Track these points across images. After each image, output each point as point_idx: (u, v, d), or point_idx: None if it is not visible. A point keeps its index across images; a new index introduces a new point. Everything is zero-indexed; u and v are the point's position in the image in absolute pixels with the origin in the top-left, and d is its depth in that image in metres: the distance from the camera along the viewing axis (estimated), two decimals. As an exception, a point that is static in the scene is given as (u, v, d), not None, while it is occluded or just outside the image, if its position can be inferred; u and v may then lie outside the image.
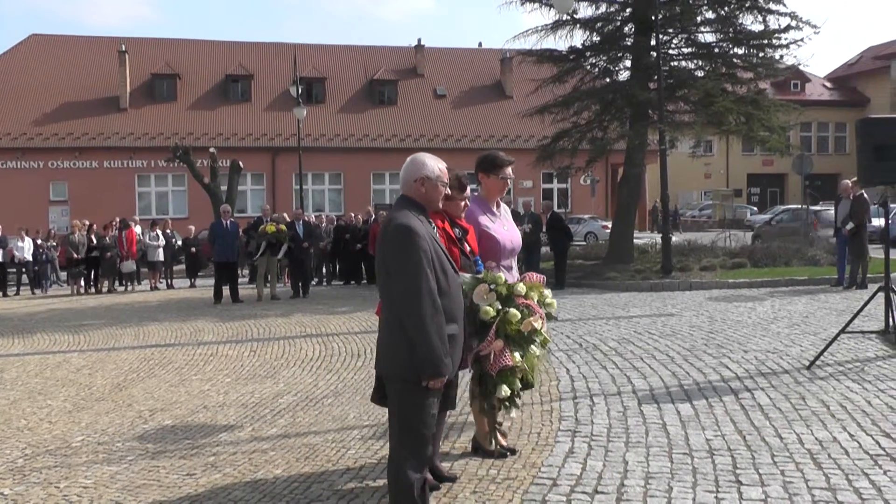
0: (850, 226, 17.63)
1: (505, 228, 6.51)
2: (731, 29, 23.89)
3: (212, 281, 20.91)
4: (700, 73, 24.23)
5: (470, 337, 5.44)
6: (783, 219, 35.80)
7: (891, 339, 10.59)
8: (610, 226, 28.51)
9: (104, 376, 10.63)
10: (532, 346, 5.84)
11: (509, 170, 6.53)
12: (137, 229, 26.60)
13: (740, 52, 24.15)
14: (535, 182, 46.05)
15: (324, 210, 42.48)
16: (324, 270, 25.51)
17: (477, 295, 5.58)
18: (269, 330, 14.58)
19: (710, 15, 23.91)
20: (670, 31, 23.68)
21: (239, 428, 7.68)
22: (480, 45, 57.96)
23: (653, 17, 21.52)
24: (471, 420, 7.03)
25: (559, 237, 20.67)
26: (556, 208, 22.50)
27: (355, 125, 48.26)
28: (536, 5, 24.00)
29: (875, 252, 18.60)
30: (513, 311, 5.64)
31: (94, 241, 24.68)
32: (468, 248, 5.85)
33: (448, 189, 4.98)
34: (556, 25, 23.92)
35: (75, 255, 24.37)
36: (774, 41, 23.42)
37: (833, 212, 20.80)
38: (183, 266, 27.38)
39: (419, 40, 53.77)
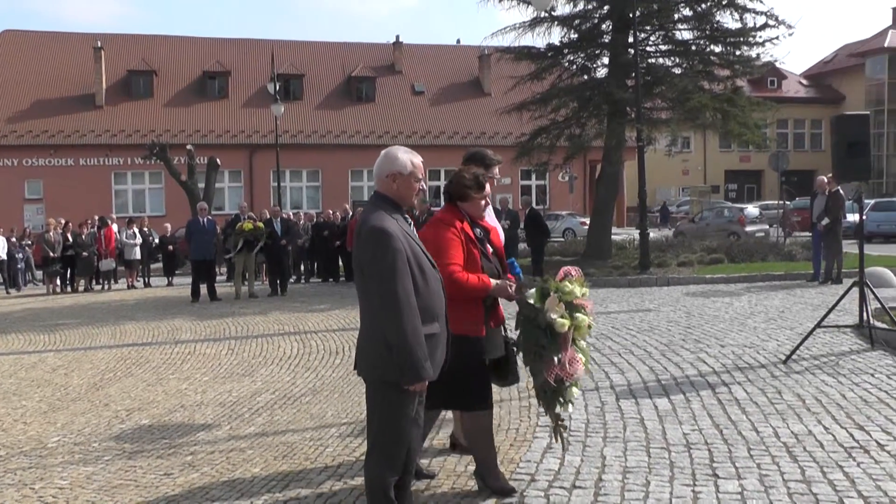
0: (825, 221, 17.76)
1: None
2: (708, 26, 24.05)
3: (189, 279, 20.81)
4: (677, 71, 24.34)
5: (545, 350, 5.29)
6: (707, 216, 36.28)
7: (865, 333, 10.67)
8: (588, 222, 28.59)
9: (80, 376, 10.58)
10: (581, 342, 5.63)
11: (496, 169, 6.54)
12: (114, 227, 26.42)
13: (717, 49, 24.31)
14: (514, 179, 46.13)
15: (301, 207, 42.35)
16: (302, 268, 25.43)
17: (550, 308, 5.29)
18: (246, 328, 14.54)
19: (687, 12, 24.07)
20: (648, 28, 23.81)
21: (216, 427, 7.67)
22: (459, 42, 57.98)
23: (630, 15, 21.56)
24: (449, 417, 7.03)
25: (536, 233, 20.74)
26: (534, 205, 22.54)
27: (333, 122, 48.16)
28: (514, 3, 24.07)
29: (850, 247, 18.76)
30: (581, 317, 5.39)
31: (70, 240, 24.50)
32: (490, 250, 5.70)
33: (421, 183, 4.83)
34: (534, 23, 24.01)
35: (51, 254, 24.18)
36: (751, 39, 23.56)
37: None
38: (160, 264, 27.19)
39: (397, 37, 53.67)
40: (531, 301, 5.40)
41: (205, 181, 29.16)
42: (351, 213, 24.06)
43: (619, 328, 12.75)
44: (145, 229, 26.73)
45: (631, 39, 22.05)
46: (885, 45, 62.94)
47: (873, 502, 5.29)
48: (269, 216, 21.89)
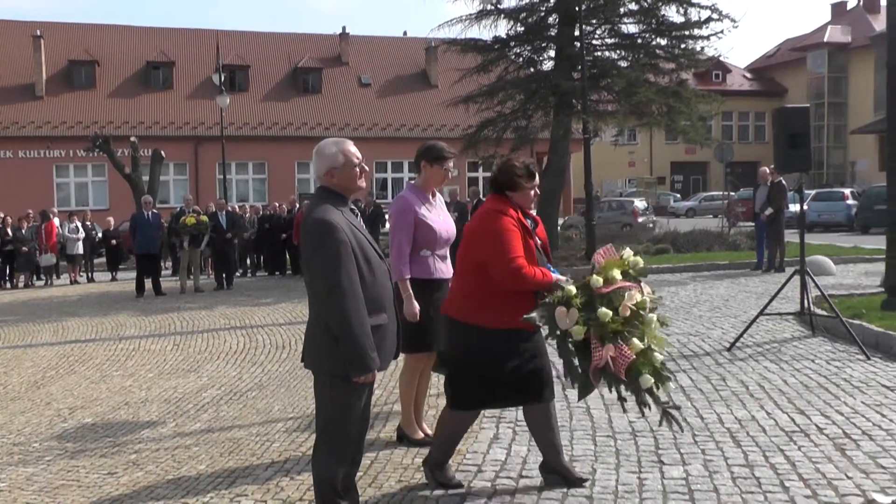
0: (768, 211, 18.03)
1: (441, 218, 6.55)
2: (653, 20, 24.18)
3: (133, 274, 20.49)
4: (623, 64, 24.52)
5: (579, 361, 5.08)
6: (604, 208, 36.86)
7: (806, 320, 10.88)
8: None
9: (20, 374, 10.40)
10: (647, 320, 5.06)
11: (451, 163, 6.56)
12: (56, 221, 26.00)
13: (662, 43, 24.47)
14: (461, 171, 46.10)
15: (248, 200, 41.92)
16: (248, 261, 25.29)
17: (560, 321, 5.00)
18: (192, 323, 14.41)
19: (632, 6, 24.23)
20: (594, 21, 23.92)
21: (161, 424, 7.59)
22: (405, 33, 57.80)
23: (577, 8, 21.74)
24: (396, 409, 7.06)
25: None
26: (482, 196, 22.56)
27: (279, 113, 47.78)
28: (461, -6, 24.07)
29: (792, 237, 19.07)
30: (601, 311, 4.94)
31: (10, 234, 24.05)
32: (539, 242, 5.53)
33: (364, 167, 4.71)
34: (480, 15, 23.99)
35: (-10, 249, 23.73)
36: (695, 33, 23.83)
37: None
38: (104, 259, 26.77)
39: (344, 28, 53.57)
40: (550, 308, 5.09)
41: (149, 174, 28.78)
42: (297, 206, 23.93)
43: (566, 319, 12.83)
44: (88, 223, 26.35)
45: (577, 33, 22.17)
46: (825, 39, 63.97)
47: (813, 484, 5.40)
48: (214, 209, 21.70)
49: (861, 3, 67.11)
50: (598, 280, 5.05)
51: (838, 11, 69.91)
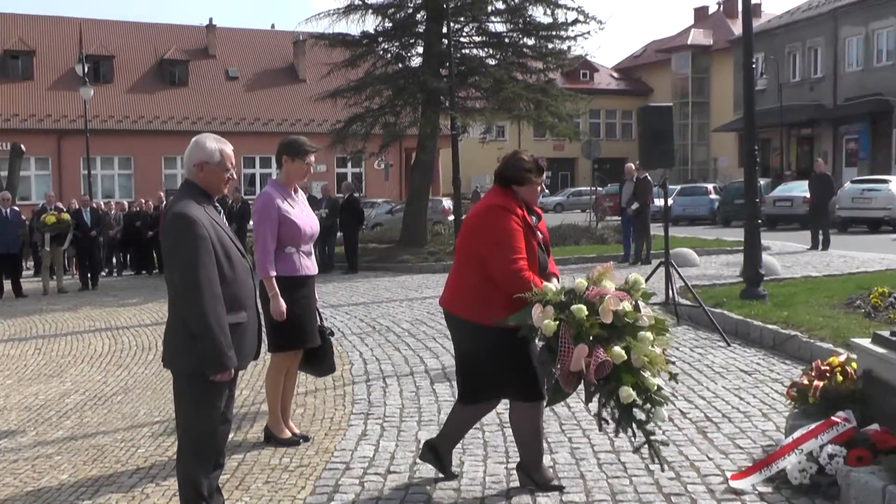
0: (634, 206, 18.56)
1: (304, 214, 6.54)
2: (520, 20, 24.60)
3: (-9, 274, 19.80)
4: (491, 62, 24.82)
5: (551, 361, 4.84)
6: (393, 208, 37.67)
7: (671, 309, 11.26)
8: (403, 209, 28.81)
9: None
10: (639, 334, 4.78)
11: (312, 157, 6.56)
12: None
13: (530, 42, 24.89)
14: (329, 166, 45.89)
15: (114, 196, 40.84)
16: (114, 260, 24.68)
17: (536, 319, 4.78)
18: (55, 325, 13.94)
19: (500, 6, 24.59)
20: (462, 19, 24.12)
21: (21, 433, 7.33)
22: (273, 26, 57.21)
23: (444, 6, 21.93)
24: (263, 409, 7.04)
25: (351, 221, 20.78)
26: (354, 192, 22.57)
27: (145, 106, 46.65)
28: (328, -11, 24.01)
29: (657, 230, 19.65)
30: (575, 307, 4.72)
31: None
32: (541, 238, 5.36)
33: (231, 173, 4.71)
34: (348, 10, 23.95)
35: None
36: (563, 33, 24.36)
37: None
38: (-41, 259, 25.77)
39: (211, 20, 52.60)
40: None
41: (8, 169, 27.80)
42: (164, 202, 23.46)
43: (434, 313, 12.88)
44: (-58, 222, 25.24)
45: (445, 30, 22.33)
46: (689, 42, 65.88)
47: (676, 466, 5.64)
48: (78, 206, 21.08)
49: (721, 8, 69.48)
50: (582, 284, 4.91)
51: (700, 15, 72.50)
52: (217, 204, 4.69)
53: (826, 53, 46.60)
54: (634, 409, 4.72)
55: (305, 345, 6.55)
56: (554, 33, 24.42)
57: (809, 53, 47.90)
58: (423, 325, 11.82)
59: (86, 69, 36.68)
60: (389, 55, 25.38)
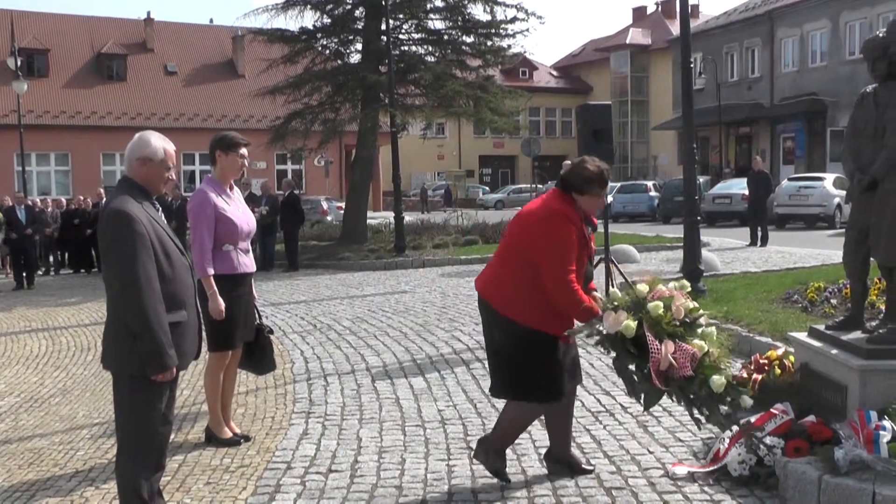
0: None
1: (240, 211, 6.52)
2: (459, 17, 24.76)
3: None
4: (430, 59, 24.88)
5: (639, 364, 4.83)
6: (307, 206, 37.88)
7: (609, 304, 11.36)
8: (343, 206, 28.76)
9: None
10: (704, 328, 4.88)
11: (245, 150, 6.53)
12: None
13: (469, 39, 25.04)
14: (270, 163, 45.54)
15: (50, 193, 40.14)
16: (51, 259, 24.24)
17: (610, 326, 4.79)
18: (-12, 326, 13.69)
19: (439, 3, 24.78)
20: (401, 16, 24.22)
21: (-48, 437, 7.16)
22: (212, 21, 56.72)
23: (383, 2, 21.91)
24: (204, 409, 6.99)
25: (292, 218, 20.70)
26: (294, 189, 22.46)
27: (82, 101, 45.79)
28: (266, -17, 23.85)
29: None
30: (652, 304, 4.77)
31: None
32: (592, 251, 5.35)
33: (171, 173, 4.68)
34: (286, 5, 23.90)
35: None
36: (501, 31, 24.50)
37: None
38: None
39: (148, 13, 51.77)
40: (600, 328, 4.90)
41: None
42: (104, 199, 23.15)
43: (376, 311, 12.95)
44: None
45: (384, 27, 22.34)
46: (627, 41, 66.55)
47: (617, 460, 5.73)
48: (11, 203, 20.71)
49: (659, 8, 70.33)
50: (644, 287, 4.93)
51: (639, 15, 73.13)
52: (155, 202, 4.65)
53: (763, 54, 47.33)
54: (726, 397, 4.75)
55: (243, 343, 6.54)
56: (493, 31, 24.61)
57: (747, 54, 48.60)
58: (364, 323, 11.81)
59: (19, 63, 35.92)
60: (328, 51, 25.37)
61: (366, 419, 6.97)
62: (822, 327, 5.89)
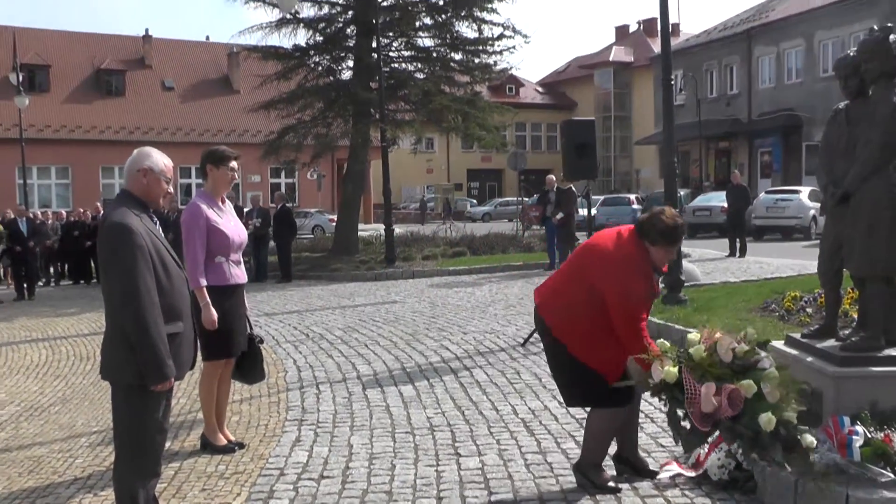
0: (559, 215, 18.72)
1: (232, 224, 6.52)
2: (448, 35, 24.82)
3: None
4: (420, 75, 24.93)
5: (681, 405, 4.80)
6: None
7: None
8: (335, 219, 28.78)
9: None
10: (765, 372, 4.73)
11: (234, 163, 6.52)
12: None
13: (457, 56, 25.07)
14: (264, 177, 45.53)
15: (51, 206, 39.98)
16: (51, 270, 24.15)
17: (656, 374, 4.79)
18: (-11, 336, 13.59)
19: (428, 21, 24.77)
20: (391, 34, 24.23)
21: (-47, 445, 7.11)
22: (208, 38, 56.54)
23: (374, 21, 21.95)
24: (199, 417, 6.96)
25: (284, 231, 20.69)
26: (286, 202, 22.49)
27: (82, 116, 45.71)
28: (261, 3, 23.85)
29: (582, 238, 19.84)
30: (694, 349, 4.75)
31: None
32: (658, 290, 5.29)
33: (170, 190, 4.72)
34: (280, 23, 23.91)
35: None
36: (489, 48, 24.58)
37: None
38: None
39: (146, 30, 51.79)
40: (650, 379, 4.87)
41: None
42: (102, 212, 23.06)
43: (366, 320, 12.93)
44: None
45: (374, 44, 22.39)
46: (611, 59, 66.59)
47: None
48: (13, 216, 20.64)
49: (641, 27, 70.44)
50: (695, 336, 4.91)
51: (622, 34, 73.44)
52: (153, 214, 4.64)
53: (741, 71, 47.50)
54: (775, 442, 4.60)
55: (236, 352, 6.53)
56: (480, 48, 24.72)
57: (725, 71, 48.77)
58: (355, 333, 11.80)
59: (20, 78, 35.85)
60: (321, 68, 25.37)
61: (357, 426, 6.96)
62: (798, 335, 5.92)
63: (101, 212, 22.64)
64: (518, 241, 24.88)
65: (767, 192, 31.12)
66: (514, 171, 31.78)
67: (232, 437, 6.62)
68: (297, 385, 8.63)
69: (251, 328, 6.81)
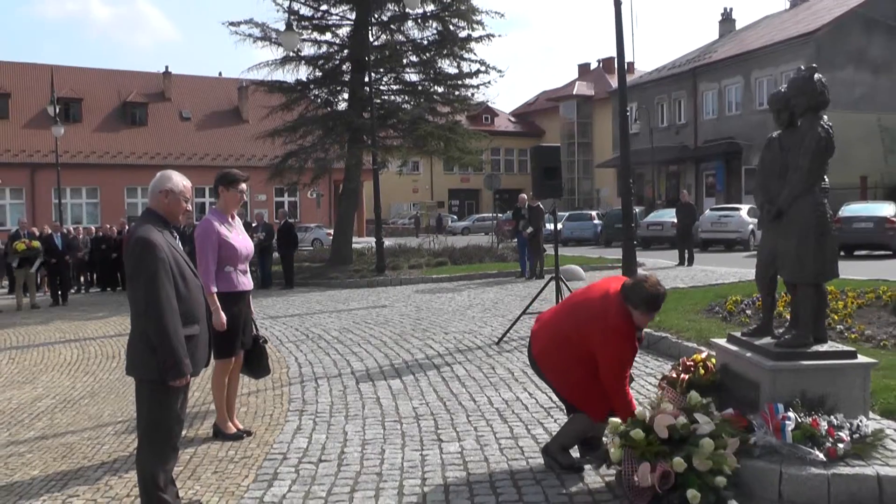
0: (529, 230, 18.76)
1: (240, 237, 6.50)
2: (431, 71, 24.87)
3: (-30, 292, 19.07)
4: (407, 106, 24.94)
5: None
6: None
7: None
8: (332, 233, 28.73)
9: None
10: (700, 441, 4.63)
11: (244, 185, 6.51)
12: None
13: (440, 90, 25.09)
14: (269, 196, 45.42)
15: (82, 222, 39.70)
16: (82, 279, 23.97)
17: (612, 455, 4.82)
18: (28, 337, 13.45)
19: (414, 59, 24.82)
20: (381, 70, 24.21)
21: (-5, 434, 7.05)
22: (220, 74, 56.55)
23: (366, 58, 21.99)
24: (212, 409, 6.91)
25: (287, 244, 20.66)
26: (288, 218, 22.45)
27: (110, 143, 45.50)
28: (267, 43, 23.80)
29: (551, 249, 19.87)
30: (633, 431, 4.72)
31: None
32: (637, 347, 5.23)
33: (189, 209, 4.78)
34: (284, 61, 23.81)
35: None
36: (467, 82, 24.65)
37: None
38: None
39: (167, 67, 51.62)
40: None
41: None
42: (126, 227, 22.95)
43: (360, 322, 12.90)
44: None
45: (367, 79, 22.38)
46: (574, 93, 66.78)
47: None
48: (49, 231, 20.51)
49: (601, 65, 71.09)
50: (644, 412, 4.91)
51: (584, 70, 73.96)
52: (173, 230, 4.64)
53: (688, 104, 47.74)
54: None
55: (242, 350, 6.51)
56: (460, 82, 24.77)
57: (674, 104, 49.01)
58: (349, 333, 11.75)
59: (57, 110, 35.64)
60: (320, 100, 25.32)
61: (351, 416, 6.93)
62: (738, 334, 5.93)
63: (126, 227, 22.63)
64: (493, 252, 24.86)
65: (712, 210, 31.30)
66: (490, 190, 31.80)
67: (241, 426, 6.58)
68: (298, 380, 8.59)
69: (257, 329, 6.79)
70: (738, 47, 45.66)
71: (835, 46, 38.56)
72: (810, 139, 5.25)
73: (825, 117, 5.35)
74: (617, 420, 4.91)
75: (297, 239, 22.24)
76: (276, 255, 21.02)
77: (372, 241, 23.79)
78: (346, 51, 24.42)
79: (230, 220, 6.49)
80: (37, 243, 18.83)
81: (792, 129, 5.57)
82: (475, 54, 24.58)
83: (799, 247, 5.26)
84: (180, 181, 4.63)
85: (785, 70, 38.63)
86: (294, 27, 21.50)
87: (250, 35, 23.50)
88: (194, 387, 8.05)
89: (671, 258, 22.74)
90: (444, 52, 24.24)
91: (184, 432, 5.26)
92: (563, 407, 5.66)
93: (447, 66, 24.67)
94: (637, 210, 30.37)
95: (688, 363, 5.97)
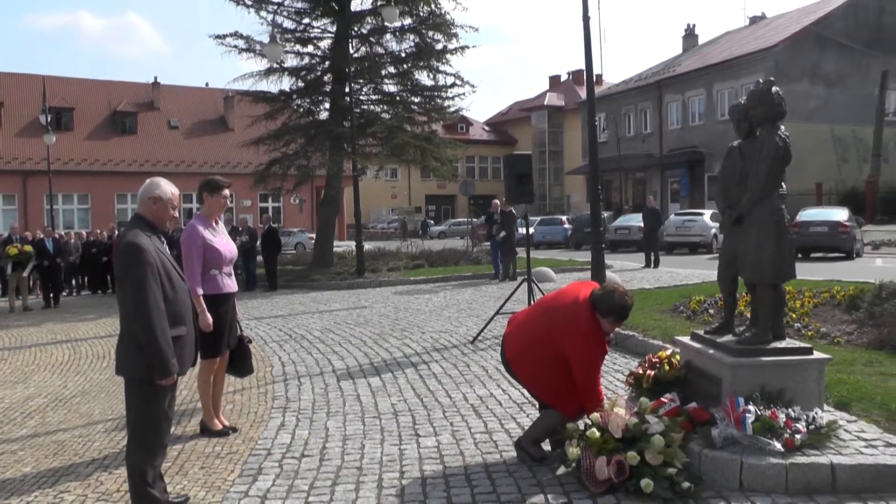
0: (502, 234, 18.79)
1: (224, 241, 6.47)
2: (409, 82, 24.93)
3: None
4: (386, 116, 24.95)
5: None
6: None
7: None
8: (314, 237, 28.65)
9: None
10: (651, 438, 4.74)
11: (227, 191, 6.49)
12: None
13: (417, 100, 25.11)
14: (254, 201, 45.19)
15: (73, 227, 39.33)
16: (74, 282, 23.74)
17: (569, 453, 4.87)
18: (20, 339, 13.31)
19: (392, 70, 24.87)
20: (361, 81, 24.22)
21: (-12, 432, 6.96)
22: (207, 84, 56.09)
23: (347, 70, 21.99)
24: (198, 406, 6.86)
25: (271, 247, 20.57)
26: (272, 223, 22.37)
27: (100, 151, 45.07)
28: (252, 54, 23.70)
29: (523, 252, 19.90)
30: (589, 431, 4.82)
31: None
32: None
33: (176, 216, 4.75)
34: (268, 72, 23.75)
35: None
36: (443, 94, 24.69)
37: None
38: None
39: (156, 78, 51.26)
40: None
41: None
42: (116, 232, 22.77)
43: (340, 323, 12.86)
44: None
45: (347, 89, 22.37)
46: (545, 103, 67.05)
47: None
48: (42, 236, 20.29)
49: (571, 77, 71.31)
50: (597, 416, 4.95)
51: (554, 82, 74.30)
52: (160, 235, 4.60)
53: (653, 114, 48.07)
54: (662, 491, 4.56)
55: (227, 350, 6.47)
56: (436, 94, 24.83)
57: (641, 114, 49.33)
58: (331, 333, 11.71)
59: (48, 119, 35.39)
60: (302, 109, 25.28)
61: (332, 412, 6.90)
62: (702, 332, 5.97)
63: (116, 232, 22.47)
64: (468, 255, 24.88)
65: (676, 214, 31.50)
66: (465, 196, 31.80)
67: (226, 423, 6.54)
68: (281, 378, 8.54)
69: (241, 330, 6.75)
70: (700, 61, 46.06)
71: (791, 61, 39.02)
72: (768, 148, 5.29)
73: (782, 127, 5.40)
74: (573, 426, 4.98)
75: (281, 243, 22.16)
76: (260, 258, 20.95)
77: (352, 244, 23.75)
78: (327, 62, 24.42)
79: (214, 224, 6.45)
80: (29, 247, 18.63)
81: (751, 139, 5.62)
82: (451, 66, 24.64)
83: (758, 249, 5.30)
84: (168, 189, 4.61)
85: (745, 83, 38.96)
86: (277, 39, 21.49)
87: (236, 47, 23.41)
88: (182, 385, 7.99)
89: (638, 261, 22.86)
90: (421, 63, 24.29)
91: (172, 429, 5.21)
92: (536, 403, 5.68)
93: (424, 79, 24.78)
94: (605, 215, 30.59)
95: (654, 360, 6.01)
